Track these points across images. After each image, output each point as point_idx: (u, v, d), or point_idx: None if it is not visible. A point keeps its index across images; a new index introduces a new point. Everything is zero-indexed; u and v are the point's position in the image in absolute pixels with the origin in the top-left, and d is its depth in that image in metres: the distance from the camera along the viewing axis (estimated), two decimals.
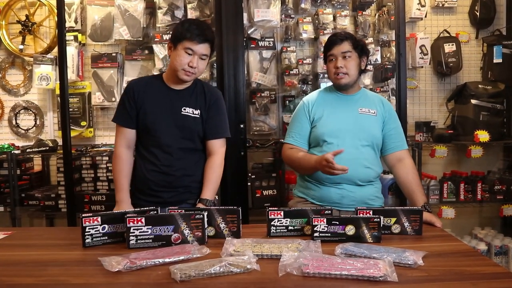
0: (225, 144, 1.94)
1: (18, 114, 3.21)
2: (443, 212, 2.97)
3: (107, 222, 1.53)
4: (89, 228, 1.51)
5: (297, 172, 2.04)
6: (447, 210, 2.97)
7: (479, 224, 3.37)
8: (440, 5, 3.23)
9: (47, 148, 2.95)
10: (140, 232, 1.48)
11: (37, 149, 2.95)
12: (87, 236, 1.51)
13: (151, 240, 1.48)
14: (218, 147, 1.90)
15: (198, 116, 1.86)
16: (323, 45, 2.01)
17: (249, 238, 1.49)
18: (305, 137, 1.98)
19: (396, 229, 1.59)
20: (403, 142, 1.99)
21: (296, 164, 1.96)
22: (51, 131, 3.22)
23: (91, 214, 1.51)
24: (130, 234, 1.47)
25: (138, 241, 1.48)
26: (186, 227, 1.49)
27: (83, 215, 1.51)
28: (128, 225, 1.47)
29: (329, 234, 1.50)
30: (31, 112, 3.21)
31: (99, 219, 1.52)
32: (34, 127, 3.22)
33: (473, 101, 3.02)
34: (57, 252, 1.48)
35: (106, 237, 1.53)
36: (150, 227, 1.48)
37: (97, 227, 1.52)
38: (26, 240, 1.64)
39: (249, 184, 2.83)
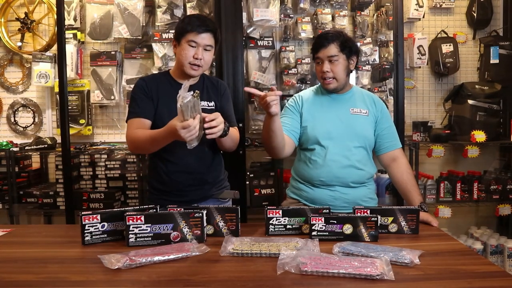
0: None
1: (16, 112, 3.21)
2: (439, 211, 2.99)
3: (106, 220, 1.53)
4: (88, 226, 1.51)
5: (267, 147, 1.87)
6: (443, 209, 2.99)
7: (475, 223, 3.39)
8: (438, 5, 3.24)
9: (46, 145, 2.95)
10: (139, 230, 1.48)
11: (35, 147, 2.94)
12: (86, 234, 1.51)
13: (150, 238, 1.49)
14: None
15: (214, 108, 1.85)
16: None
17: (248, 237, 1.50)
18: (291, 131, 1.92)
19: (393, 228, 1.60)
20: (397, 141, 1.98)
21: (262, 134, 1.84)
22: (49, 129, 3.22)
23: (90, 212, 1.52)
24: (130, 232, 1.48)
25: (138, 239, 1.48)
26: (185, 225, 1.49)
27: (82, 213, 1.51)
28: (127, 223, 1.47)
29: (327, 233, 1.52)
30: (29, 109, 3.21)
31: (98, 217, 1.52)
32: (33, 125, 3.22)
33: (470, 102, 3.04)
34: (56, 249, 1.49)
35: (106, 235, 1.54)
36: (150, 225, 1.48)
37: (96, 225, 1.52)
38: (25, 237, 1.64)
39: (247, 182, 2.84)
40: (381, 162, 2.00)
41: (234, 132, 1.83)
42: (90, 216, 1.52)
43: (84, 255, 1.43)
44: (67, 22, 2.91)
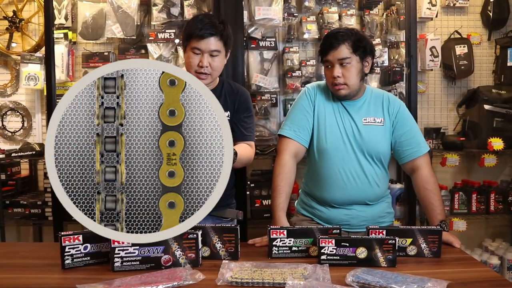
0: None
1: (4, 116, 3.05)
2: (454, 224, 2.81)
3: (89, 241, 1.38)
4: (69, 248, 1.36)
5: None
6: (458, 222, 2.81)
7: (489, 235, 3.22)
8: (451, 4, 3.07)
9: (35, 152, 2.79)
10: (126, 253, 1.33)
11: (22, 153, 2.79)
12: (66, 257, 1.36)
13: (138, 262, 1.34)
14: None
15: (228, 118, 1.69)
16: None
17: (248, 262, 1.34)
18: (307, 131, 1.73)
19: (412, 250, 1.45)
20: (418, 147, 1.72)
21: (272, 189, 1.78)
22: (39, 134, 3.05)
23: (71, 232, 1.37)
24: (115, 256, 1.33)
25: (124, 264, 1.33)
26: (178, 247, 1.35)
27: (62, 233, 1.36)
28: (112, 245, 1.32)
29: (338, 257, 1.35)
30: (18, 113, 3.05)
31: (80, 237, 1.37)
32: (22, 130, 3.05)
33: (486, 107, 2.88)
34: (32, 275, 1.33)
35: (88, 258, 1.39)
36: (138, 247, 1.33)
37: (78, 247, 1.37)
38: (1, 259, 1.48)
39: (247, 193, 2.68)
40: (405, 171, 1.82)
41: (245, 153, 1.69)
42: (71, 236, 1.36)
43: (62, 283, 1.27)
44: (57, 21, 2.77)
